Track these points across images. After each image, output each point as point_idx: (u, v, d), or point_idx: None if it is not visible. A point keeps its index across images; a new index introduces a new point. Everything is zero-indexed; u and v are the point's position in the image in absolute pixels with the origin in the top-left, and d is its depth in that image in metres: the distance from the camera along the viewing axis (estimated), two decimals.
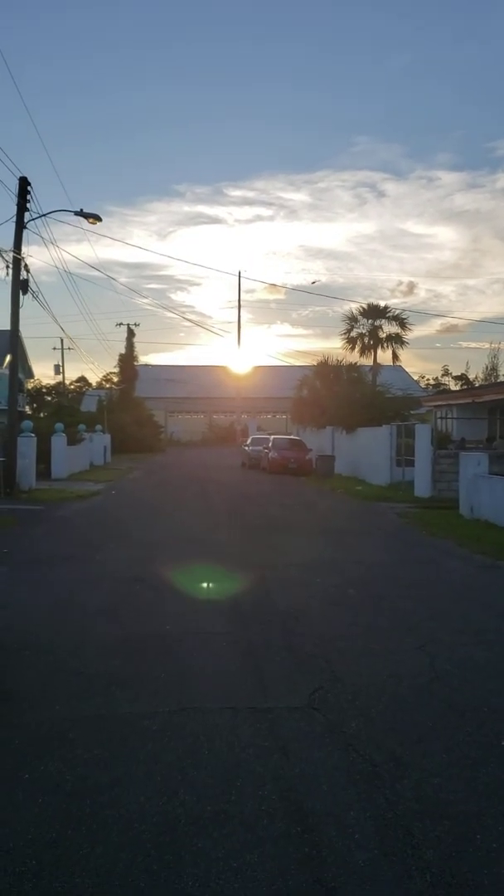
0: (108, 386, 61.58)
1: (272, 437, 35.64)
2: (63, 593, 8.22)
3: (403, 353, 42.35)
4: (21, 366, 34.42)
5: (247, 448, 36.40)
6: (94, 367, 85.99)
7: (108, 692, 5.07)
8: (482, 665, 5.83)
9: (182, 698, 4.94)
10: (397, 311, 41.44)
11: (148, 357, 68.29)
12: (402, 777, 3.86)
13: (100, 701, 4.91)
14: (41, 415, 44.34)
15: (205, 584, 9.03)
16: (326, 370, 37.56)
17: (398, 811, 3.52)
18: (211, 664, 5.74)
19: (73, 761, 4.00)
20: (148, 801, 3.58)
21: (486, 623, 7.28)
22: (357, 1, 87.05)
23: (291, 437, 37.36)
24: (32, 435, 21.79)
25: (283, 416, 55.31)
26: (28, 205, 20.16)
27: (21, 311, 20.25)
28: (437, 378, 79.66)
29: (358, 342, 40.70)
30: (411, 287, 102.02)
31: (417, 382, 68.50)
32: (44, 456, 24.22)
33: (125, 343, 56.40)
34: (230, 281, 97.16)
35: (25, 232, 20.15)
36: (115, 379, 59.87)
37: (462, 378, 71.87)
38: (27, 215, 20.22)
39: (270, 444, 32.89)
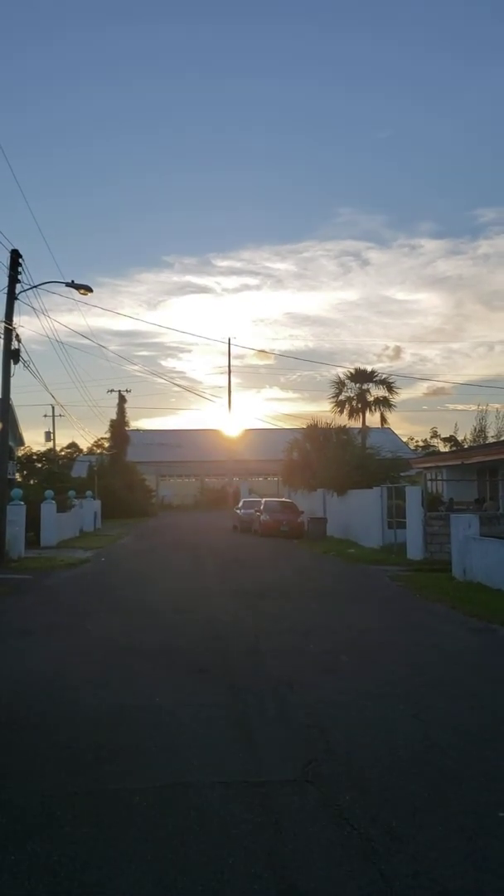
0: (99, 451, 61.69)
1: (264, 500, 35.65)
2: (52, 664, 8.09)
3: (391, 416, 42.96)
4: (12, 433, 34.50)
5: (238, 511, 36.34)
6: (84, 433, 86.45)
7: (97, 767, 4.96)
8: (477, 732, 5.75)
9: (173, 773, 4.84)
10: (384, 375, 42.31)
11: (139, 422, 68.82)
12: (398, 851, 3.78)
13: (89, 776, 4.80)
14: (31, 482, 44.22)
15: (196, 653, 8.91)
16: (316, 433, 37.86)
17: (394, 888, 3.43)
18: (202, 736, 5.63)
19: (60, 840, 3.89)
20: (138, 882, 3.48)
21: (480, 688, 7.20)
22: (338, 80, 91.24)
23: (283, 499, 37.38)
24: (22, 503, 21.72)
25: (275, 479, 55.35)
26: (19, 276, 20.59)
27: (12, 379, 20.45)
28: (425, 440, 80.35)
29: (346, 405, 41.23)
30: (397, 351, 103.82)
31: (406, 444, 69.00)
32: (34, 523, 24.09)
33: (116, 409, 56.90)
34: (220, 347, 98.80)
35: (17, 302, 20.54)
36: (107, 444, 60.06)
37: (451, 439, 72.45)
38: (18, 286, 20.63)
39: (262, 507, 32.88)
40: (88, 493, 37.00)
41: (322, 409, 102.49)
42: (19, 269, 20.58)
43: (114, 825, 4.09)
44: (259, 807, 4.31)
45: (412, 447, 71.56)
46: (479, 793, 4.53)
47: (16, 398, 26.94)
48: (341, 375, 42.12)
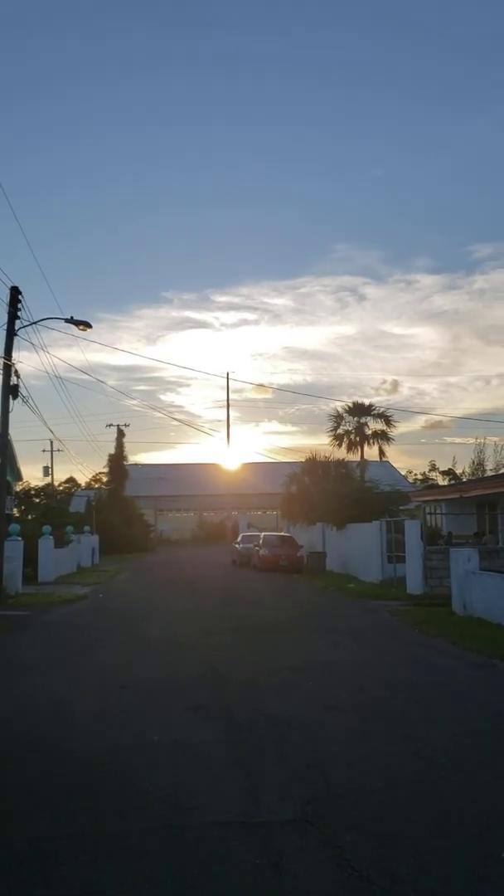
0: (97, 486, 61.63)
1: (263, 534, 35.52)
2: (48, 701, 8.01)
3: (390, 449, 42.93)
4: (10, 468, 34.52)
5: (237, 545, 36.18)
6: (83, 468, 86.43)
7: (94, 807, 4.89)
8: (479, 770, 5.69)
9: (171, 813, 4.77)
10: (382, 409, 42.29)
11: (138, 456, 68.70)
12: (400, 894, 3.71)
13: (86, 817, 4.74)
14: (29, 517, 44.11)
15: (194, 690, 8.82)
16: (315, 466, 37.90)
17: None
18: (201, 776, 5.56)
19: (58, 884, 3.83)
20: None
21: (482, 725, 7.13)
22: (331, 121, 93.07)
23: (282, 534, 37.25)
24: (20, 538, 21.67)
25: (274, 512, 55.24)
26: (19, 313, 20.78)
27: (10, 414, 20.53)
28: (424, 473, 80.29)
29: (345, 439, 41.25)
30: (395, 385, 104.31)
31: (405, 477, 68.97)
32: (31, 559, 24.01)
33: (115, 443, 57.05)
34: (218, 381, 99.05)
35: (16, 338, 20.70)
36: (105, 479, 60.02)
37: (449, 473, 72.40)
38: (18, 323, 20.81)
39: (261, 542, 32.75)
40: (86, 528, 36.90)
41: (321, 443, 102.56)
42: (19, 305, 20.79)
43: (111, 867, 4.03)
44: (259, 847, 4.25)
45: (411, 480, 71.50)
46: (481, 832, 4.47)
47: (14, 433, 27.02)
48: (339, 409, 42.23)
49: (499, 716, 7.57)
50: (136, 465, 62.75)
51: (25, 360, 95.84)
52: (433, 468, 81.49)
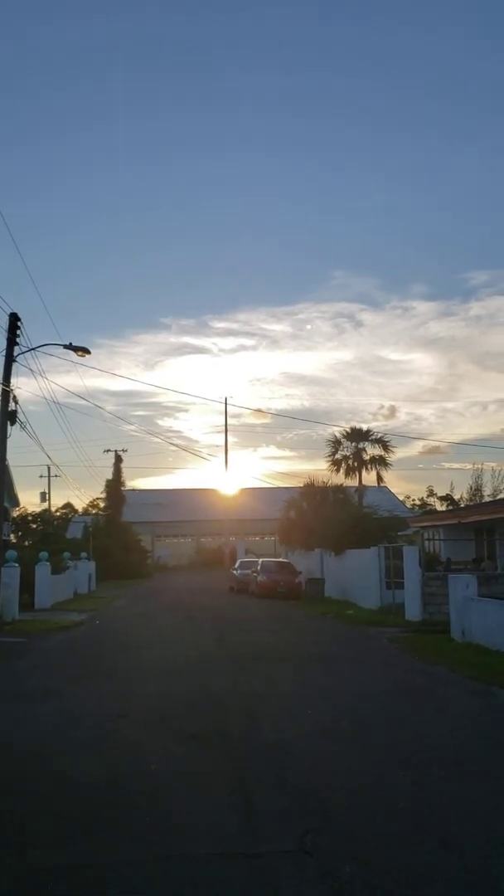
0: (94, 512, 61.43)
1: (260, 560, 35.40)
2: (44, 730, 7.92)
3: (387, 475, 42.93)
4: (7, 494, 34.46)
5: (235, 572, 36.03)
6: (80, 494, 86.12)
7: (89, 838, 4.82)
8: (478, 799, 5.62)
9: (167, 844, 4.71)
10: (379, 434, 42.32)
11: (135, 482, 68.79)
12: None
13: (80, 848, 4.67)
14: (26, 543, 43.92)
15: (191, 719, 8.74)
16: (313, 492, 37.85)
17: None
18: (198, 806, 5.50)
19: None
20: None
21: (481, 753, 7.07)
22: (328, 151, 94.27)
23: (280, 559, 37.13)
24: (16, 565, 21.57)
25: (272, 538, 55.01)
26: (17, 339, 20.91)
27: (8, 440, 20.56)
28: (422, 498, 80.00)
29: (343, 464, 41.26)
30: (392, 411, 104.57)
31: (403, 503, 68.84)
32: (28, 585, 23.88)
33: (112, 469, 56.96)
34: (216, 406, 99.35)
35: (15, 364, 20.80)
36: (102, 504, 59.82)
37: (447, 498, 72.13)
38: (17, 349, 20.93)
39: (259, 568, 32.63)
40: (83, 554, 36.75)
41: (318, 468, 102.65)
42: (18, 331, 20.92)
43: None
44: (257, 879, 4.19)
45: (409, 505, 71.34)
46: (482, 863, 4.41)
47: (12, 459, 27.00)
48: (337, 434, 42.32)
49: (499, 744, 7.50)
50: (133, 490, 62.66)
51: (24, 386, 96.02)
52: (431, 494, 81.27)
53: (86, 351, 22.14)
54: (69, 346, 21.85)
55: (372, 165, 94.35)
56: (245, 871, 4.30)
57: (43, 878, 4.21)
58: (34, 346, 21.89)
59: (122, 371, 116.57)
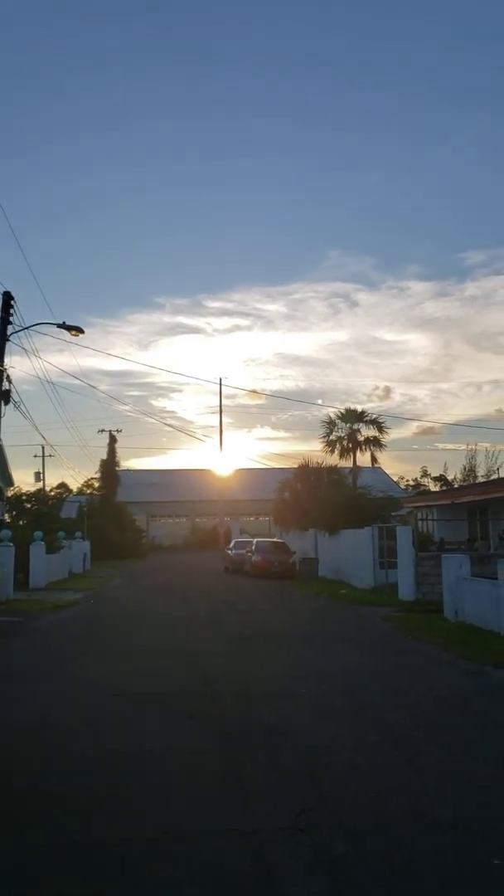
0: (89, 491, 61.45)
1: (255, 540, 35.50)
2: (39, 709, 7.94)
3: (382, 455, 42.90)
4: (1, 474, 34.43)
5: (230, 552, 36.14)
6: (75, 474, 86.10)
7: (84, 817, 4.85)
8: (472, 778, 5.67)
9: (163, 822, 4.74)
10: (374, 415, 42.21)
11: (130, 462, 68.49)
12: None
13: (76, 827, 4.69)
14: (21, 522, 43.94)
15: (186, 698, 8.79)
16: (307, 472, 37.91)
17: None
18: (193, 784, 5.53)
19: None
20: None
21: (474, 733, 7.12)
22: (323, 128, 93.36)
23: (274, 540, 37.24)
24: (11, 544, 21.59)
25: (266, 518, 55.15)
26: (11, 318, 20.77)
27: (2, 420, 20.50)
28: (416, 479, 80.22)
29: (337, 445, 41.20)
30: (387, 391, 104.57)
31: (397, 483, 69.07)
32: (23, 565, 23.90)
33: (107, 449, 56.87)
34: (211, 387, 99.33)
35: (8, 344, 20.68)
36: (97, 484, 59.85)
37: (441, 479, 72.42)
38: (10, 328, 20.79)
39: (253, 548, 32.74)
40: (78, 533, 36.77)
41: (313, 449, 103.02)
42: (11, 310, 20.78)
43: (102, 879, 3.99)
44: (251, 856, 4.22)
45: (403, 486, 71.57)
46: (476, 840, 4.45)
47: (5, 438, 26.92)
48: (332, 415, 42.19)
49: (492, 724, 7.56)
50: (128, 470, 62.62)
51: (17, 366, 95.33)
52: (425, 474, 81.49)
53: (79, 330, 22.02)
54: (63, 326, 21.74)
55: (368, 143, 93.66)
56: (239, 848, 4.32)
57: (38, 858, 4.23)
58: (28, 325, 21.80)
59: (116, 351, 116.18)
